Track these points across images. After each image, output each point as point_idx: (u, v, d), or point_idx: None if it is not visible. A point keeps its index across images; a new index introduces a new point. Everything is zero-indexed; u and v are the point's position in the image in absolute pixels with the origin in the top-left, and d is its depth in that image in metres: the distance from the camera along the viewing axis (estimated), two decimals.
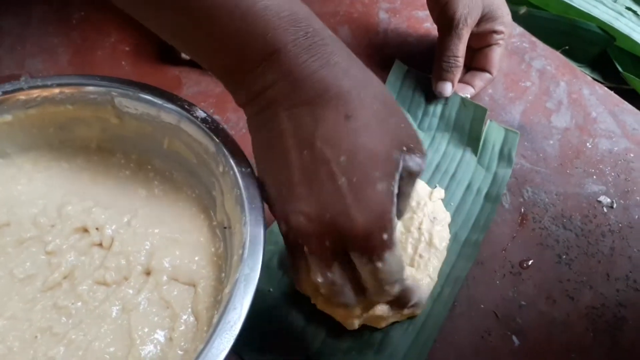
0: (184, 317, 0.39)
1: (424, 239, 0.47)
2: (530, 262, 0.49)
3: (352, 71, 0.35)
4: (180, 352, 0.37)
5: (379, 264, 0.33)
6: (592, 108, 0.61)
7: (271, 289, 0.45)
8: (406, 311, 0.42)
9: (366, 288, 0.36)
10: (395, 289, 0.35)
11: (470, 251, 0.49)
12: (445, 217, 0.49)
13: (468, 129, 0.57)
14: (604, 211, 0.53)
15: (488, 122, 0.58)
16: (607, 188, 0.55)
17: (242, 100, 0.37)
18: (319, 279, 0.35)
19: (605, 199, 0.54)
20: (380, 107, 0.35)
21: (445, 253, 0.48)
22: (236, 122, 0.58)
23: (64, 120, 0.45)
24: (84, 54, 0.62)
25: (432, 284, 0.46)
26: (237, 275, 0.34)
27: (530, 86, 0.63)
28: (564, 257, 0.49)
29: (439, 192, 0.51)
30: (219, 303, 0.37)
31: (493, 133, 0.57)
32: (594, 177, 0.55)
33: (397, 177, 0.34)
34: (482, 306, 0.46)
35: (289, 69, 0.34)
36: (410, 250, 0.47)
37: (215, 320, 0.33)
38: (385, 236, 0.33)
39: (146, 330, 0.38)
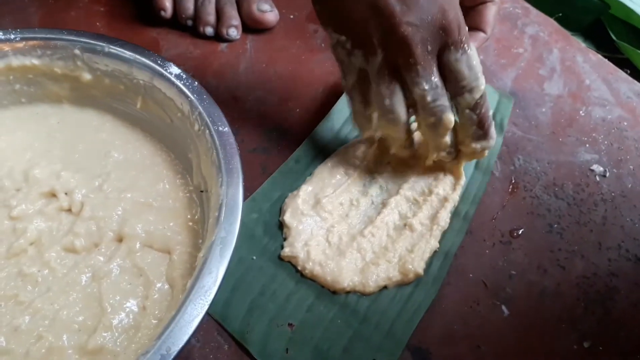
0: (158, 285, 0.37)
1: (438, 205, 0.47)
2: (520, 231, 0.47)
3: None
4: (154, 321, 0.35)
5: (470, 52, 0.40)
6: (586, 76, 0.60)
7: (254, 257, 0.43)
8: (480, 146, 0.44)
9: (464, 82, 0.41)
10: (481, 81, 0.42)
11: (460, 224, 0.47)
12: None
13: None
14: (596, 180, 0.51)
15: None
16: (600, 157, 0.53)
17: None
18: (425, 86, 0.40)
19: (598, 168, 0.52)
20: None
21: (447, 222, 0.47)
22: (216, 86, 0.55)
23: (31, 77, 0.42)
24: (56, 14, 0.59)
25: (433, 250, 0.45)
26: (213, 239, 0.31)
27: (523, 53, 0.61)
28: (556, 226, 0.48)
29: None
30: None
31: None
32: (587, 145, 0.54)
33: None
34: (470, 275, 0.44)
35: None
36: (429, 212, 0.46)
37: (188, 285, 0.31)
38: (466, 28, 0.40)
39: (118, 298, 0.36)
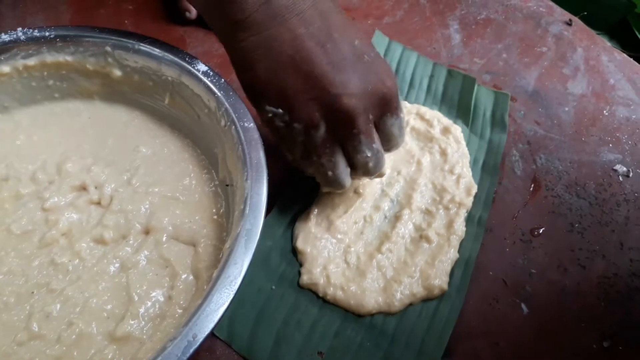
0: (184, 276, 0.38)
1: (455, 212, 0.47)
2: (541, 230, 0.47)
3: None
4: (179, 311, 0.36)
5: (402, 115, 0.41)
6: (611, 75, 0.59)
7: (274, 287, 0.42)
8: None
9: (393, 143, 0.43)
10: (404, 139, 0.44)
11: (476, 230, 0.47)
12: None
13: (457, 101, 0.55)
14: (619, 180, 0.51)
15: (475, 87, 0.56)
16: (624, 156, 0.53)
17: (229, 25, 0.37)
18: (368, 153, 0.40)
19: (621, 168, 0.52)
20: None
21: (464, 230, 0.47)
22: (239, 84, 0.56)
23: (64, 73, 0.43)
24: (86, 12, 0.61)
25: (454, 261, 0.45)
26: (239, 230, 0.32)
27: (546, 51, 0.61)
28: (577, 225, 0.48)
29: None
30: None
31: (482, 98, 0.55)
32: (610, 145, 0.53)
33: None
34: (490, 273, 0.45)
35: None
36: (444, 220, 0.46)
37: (214, 275, 0.31)
38: (397, 91, 0.40)
39: (145, 288, 0.37)
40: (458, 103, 0.55)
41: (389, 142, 0.42)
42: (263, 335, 0.40)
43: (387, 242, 0.44)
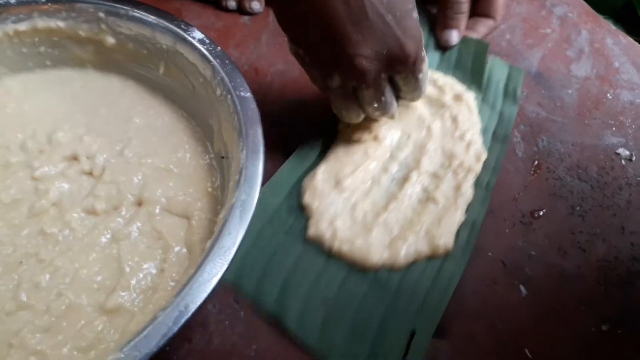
0: (177, 248, 0.37)
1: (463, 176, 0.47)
2: (541, 212, 0.47)
3: None
4: (171, 283, 0.35)
5: (420, 75, 0.42)
6: (615, 58, 0.58)
7: (281, 238, 0.43)
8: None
9: (409, 96, 0.45)
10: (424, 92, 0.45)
11: (483, 194, 0.47)
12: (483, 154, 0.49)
13: (470, 67, 0.54)
14: (622, 164, 0.50)
15: (490, 59, 0.55)
16: (627, 140, 0.52)
17: None
18: (375, 105, 0.42)
19: (624, 152, 0.51)
20: None
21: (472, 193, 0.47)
22: (238, 57, 0.55)
23: (56, 39, 0.42)
24: None
25: (460, 222, 0.45)
26: (233, 201, 0.31)
27: (550, 33, 0.60)
28: (578, 208, 0.47)
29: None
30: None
31: (497, 70, 0.55)
32: (613, 128, 0.53)
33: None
34: (489, 254, 0.44)
35: None
36: (451, 183, 0.46)
37: (208, 245, 0.31)
38: (422, 53, 0.41)
39: (136, 260, 0.36)
40: (471, 69, 0.54)
41: (405, 94, 0.44)
42: (270, 282, 0.41)
43: (394, 201, 0.45)
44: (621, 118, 0.53)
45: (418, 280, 0.42)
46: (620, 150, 0.51)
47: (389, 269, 0.42)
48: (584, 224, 0.46)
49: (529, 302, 0.42)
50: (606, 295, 0.43)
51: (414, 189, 0.46)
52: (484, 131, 0.50)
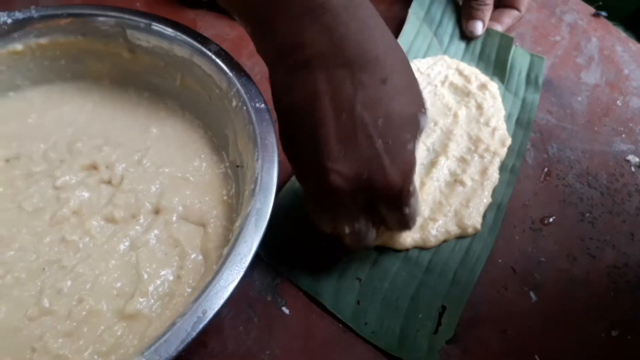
0: (193, 255, 0.38)
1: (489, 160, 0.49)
2: (551, 219, 0.47)
3: (385, 35, 0.35)
4: (188, 290, 0.36)
5: (406, 210, 0.37)
6: (625, 65, 0.59)
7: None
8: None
9: (388, 227, 0.40)
10: (415, 223, 0.40)
11: (508, 177, 0.49)
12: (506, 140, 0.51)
13: (494, 59, 0.57)
14: (631, 171, 0.51)
15: (513, 47, 0.57)
16: (637, 147, 0.52)
17: (270, 53, 0.35)
18: (347, 230, 0.37)
19: (634, 159, 0.51)
20: (405, 71, 0.36)
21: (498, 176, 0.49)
22: (251, 67, 0.56)
23: (76, 52, 0.43)
24: None
25: (487, 204, 0.47)
26: (249, 210, 0.32)
27: (560, 40, 0.60)
28: (588, 215, 0.47)
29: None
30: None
31: (518, 58, 0.57)
32: (623, 135, 0.53)
33: (419, 136, 0.36)
34: (499, 260, 0.45)
35: (330, 27, 0.33)
36: (478, 167, 0.48)
37: (225, 252, 0.31)
38: (411, 188, 0.36)
39: (154, 267, 0.37)
40: (495, 61, 0.57)
41: (391, 225, 0.39)
42: (303, 260, 0.43)
43: (422, 186, 0.47)
44: (631, 125, 0.54)
45: (448, 258, 0.44)
46: (630, 157, 0.51)
47: (420, 249, 0.45)
48: (594, 230, 0.47)
49: (539, 308, 0.42)
50: (616, 301, 0.43)
51: (441, 172, 0.48)
52: (507, 118, 0.53)
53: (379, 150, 0.34)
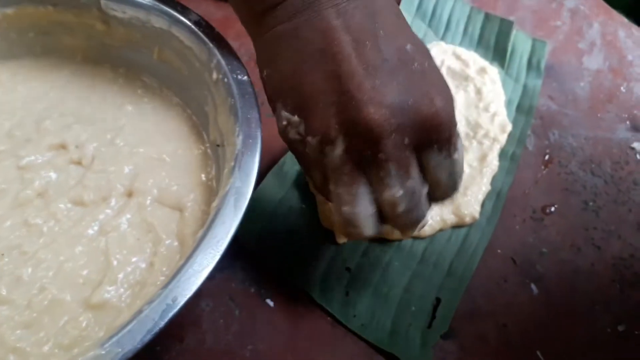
0: (168, 241, 0.35)
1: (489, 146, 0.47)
2: (553, 208, 0.44)
3: None
4: (161, 278, 0.33)
5: (456, 155, 0.31)
6: (628, 51, 0.56)
7: (304, 206, 0.43)
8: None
9: (433, 194, 0.33)
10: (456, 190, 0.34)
11: (508, 164, 0.46)
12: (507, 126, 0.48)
13: (493, 45, 0.54)
14: (637, 158, 0.48)
15: (514, 31, 0.55)
16: None
17: (264, 5, 0.31)
18: (399, 192, 0.30)
19: (638, 146, 0.49)
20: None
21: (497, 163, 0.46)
22: (237, 48, 0.52)
23: (46, 25, 0.40)
24: None
25: (486, 192, 0.44)
26: (227, 189, 0.29)
27: (561, 26, 0.58)
28: (591, 204, 0.45)
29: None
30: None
31: (520, 43, 0.55)
32: (627, 122, 0.51)
33: None
34: (499, 251, 0.42)
35: None
36: (476, 154, 0.46)
37: (199, 234, 0.28)
38: (455, 121, 0.31)
39: (125, 253, 0.34)
40: (494, 46, 0.54)
41: (433, 188, 0.32)
42: (292, 250, 0.41)
43: None
44: (635, 112, 0.51)
45: (443, 248, 0.42)
46: (635, 145, 0.49)
47: (414, 237, 0.42)
48: (598, 220, 0.44)
49: (541, 301, 0.40)
50: (622, 294, 0.41)
51: None
52: (507, 103, 0.50)
53: (418, 73, 0.30)
